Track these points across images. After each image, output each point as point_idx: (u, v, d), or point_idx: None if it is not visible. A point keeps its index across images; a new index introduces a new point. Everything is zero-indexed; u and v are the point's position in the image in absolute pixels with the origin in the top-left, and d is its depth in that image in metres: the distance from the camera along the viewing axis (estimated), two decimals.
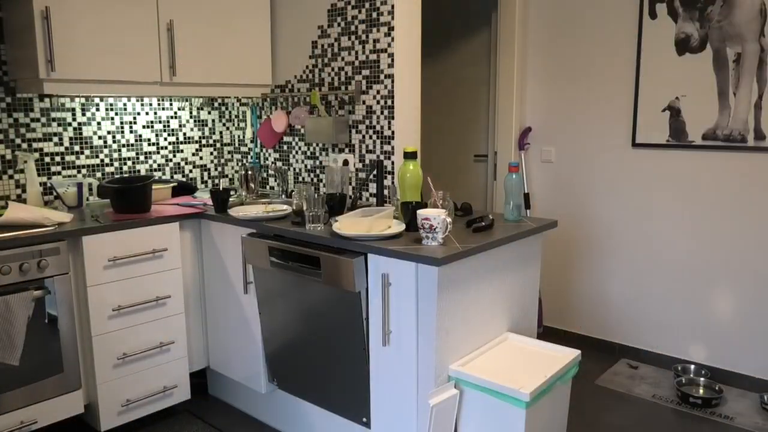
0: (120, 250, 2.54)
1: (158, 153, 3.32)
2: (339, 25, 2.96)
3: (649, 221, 3.41)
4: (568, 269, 3.75)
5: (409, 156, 2.43)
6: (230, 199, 2.83)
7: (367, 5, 2.81)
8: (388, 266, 2.07)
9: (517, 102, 3.76)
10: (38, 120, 2.86)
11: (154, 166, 3.30)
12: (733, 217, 3.13)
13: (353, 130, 2.96)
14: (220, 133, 3.62)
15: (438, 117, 4.32)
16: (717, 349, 3.24)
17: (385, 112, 2.81)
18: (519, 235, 2.29)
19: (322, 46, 3.05)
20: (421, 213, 2.07)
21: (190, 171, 3.49)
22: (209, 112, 3.55)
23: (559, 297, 3.81)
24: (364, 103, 2.90)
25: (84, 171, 3.03)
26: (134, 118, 3.20)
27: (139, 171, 3.24)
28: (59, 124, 2.93)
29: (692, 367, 3.26)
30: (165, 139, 3.34)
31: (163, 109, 3.32)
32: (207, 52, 2.98)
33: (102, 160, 3.09)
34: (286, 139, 3.32)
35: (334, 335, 2.36)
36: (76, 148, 2.99)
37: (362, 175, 2.95)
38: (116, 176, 3.10)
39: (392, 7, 2.72)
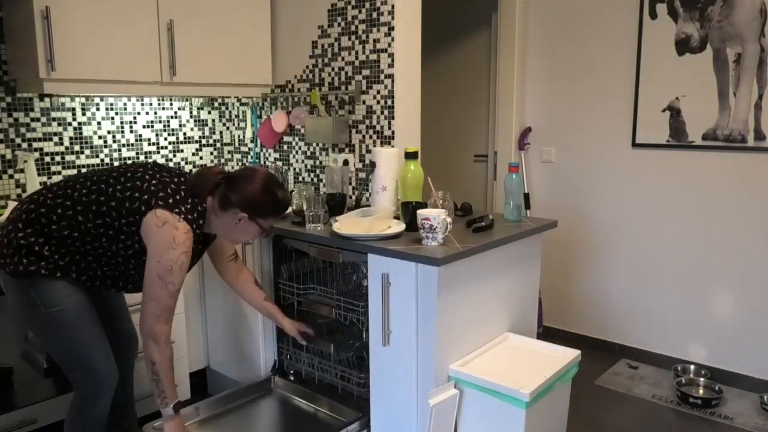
0: None
1: (158, 153, 3.32)
2: (339, 25, 2.96)
3: (649, 221, 3.41)
4: (568, 269, 3.75)
5: (410, 156, 2.43)
6: None
7: (367, 5, 2.81)
8: (388, 266, 2.07)
9: (517, 102, 3.76)
10: (38, 120, 2.86)
11: None
12: (733, 217, 3.13)
13: (353, 130, 2.96)
14: (220, 133, 3.62)
15: (438, 117, 4.32)
16: (717, 349, 3.24)
17: (385, 112, 2.81)
18: (519, 235, 2.29)
19: (322, 46, 3.05)
20: (421, 213, 2.07)
21: (190, 171, 3.49)
22: (209, 112, 3.55)
23: (559, 297, 3.81)
24: (364, 103, 2.90)
25: (84, 171, 3.03)
26: (134, 117, 3.20)
27: None
28: (59, 124, 2.93)
29: (692, 367, 3.26)
30: (165, 138, 3.34)
31: (163, 108, 3.32)
32: (207, 52, 2.98)
33: (102, 160, 3.09)
34: (286, 139, 3.32)
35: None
36: (77, 147, 2.99)
37: (362, 175, 2.95)
38: None
39: (392, 7, 2.72)
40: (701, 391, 3.07)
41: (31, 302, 1.89)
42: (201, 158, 3.53)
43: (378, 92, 2.83)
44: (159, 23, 2.80)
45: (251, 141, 3.50)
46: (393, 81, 2.77)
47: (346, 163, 2.97)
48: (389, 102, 2.79)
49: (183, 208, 1.84)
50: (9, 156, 2.78)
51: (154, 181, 1.87)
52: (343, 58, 2.96)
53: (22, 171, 2.81)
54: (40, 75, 2.47)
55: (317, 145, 3.16)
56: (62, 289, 1.90)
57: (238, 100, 3.56)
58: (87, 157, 3.03)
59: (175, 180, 1.91)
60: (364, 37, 2.85)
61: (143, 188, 1.86)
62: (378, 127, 2.85)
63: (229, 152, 3.66)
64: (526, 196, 3.77)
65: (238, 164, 3.64)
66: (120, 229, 1.86)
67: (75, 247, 1.90)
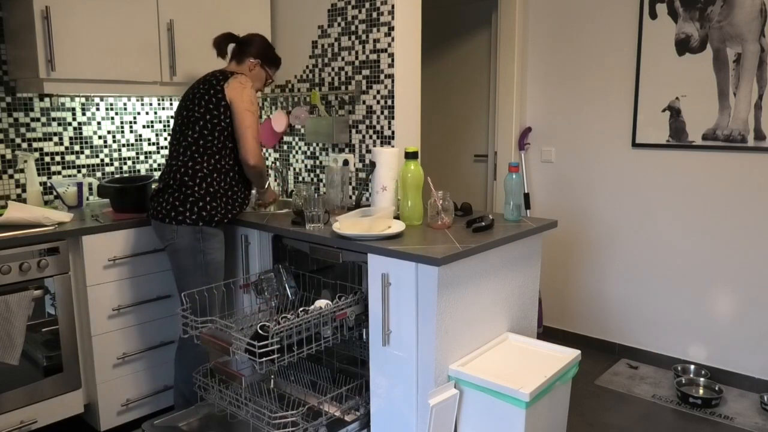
0: (120, 249, 2.54)
1: (158, 153, 3.31)
2: (339, 25, 2.96)
3: (649, 221, 3.41)
4: (568, 269, 3.75)
5: (410, 156, 2.43)
6: None
7: (367, 5, 2.81)
8: (388, 266, 2.07)
9: (517, 102, 3.76)
10: (38, 120, 2.86)
11: (154, 165, 3.30)
12: (733, 217, 3.13)
13: (353, 130, 2.96)
14: None
15: (438, 117, 4.32)
16: (717, 349, 3.24)
17: (385, 112, 2.81)
18: (519, 235, 2.29)
19: (323, 46, 3.05)
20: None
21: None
22: None
23: (559, 297, 3.81)
24: (364, 103, 2.90)
25: (84, 171, 3.03)
26: (134, 117, 3.20)
27: (139, 171, 3.24)
28: (59, 124, 2.92)
29: (692, 367, 3.26)
30: (165, 138, 3.34)
31: (163, 108, 3.32)
32: (207, 51, 2.97)
33: (102, 160, 3.09)
34: (286, 139, 3.32)
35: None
36: (76, 147, 2.99)
37: (362, 175, 2.95)
38: (116, 176, 3.10)
39: (392, 7, 2.72)
40: (701, 391, 3.07)
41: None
42: None
43: (378, 92, 2.83)
44: (159, 23, 2.80)
45: None
46: (393, 81, 2.77)
47: (346, 163, 2.97)
48: (389, 102, 2.79)
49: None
50: (9, 156, 2.78)
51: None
52: (343, 58, 2.96)
53: (22, 171, 2.81)
54: (40, 75, 2.47)
55: (317, 145, 3.16)
56: None
57: None
58: (87, 157, 3.03)
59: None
60: (364, 37, 2.85)
61: None
62: (378, 127, 2.85)
63: None
64: (526, 196, 3.77)
65: None
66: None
67: None
